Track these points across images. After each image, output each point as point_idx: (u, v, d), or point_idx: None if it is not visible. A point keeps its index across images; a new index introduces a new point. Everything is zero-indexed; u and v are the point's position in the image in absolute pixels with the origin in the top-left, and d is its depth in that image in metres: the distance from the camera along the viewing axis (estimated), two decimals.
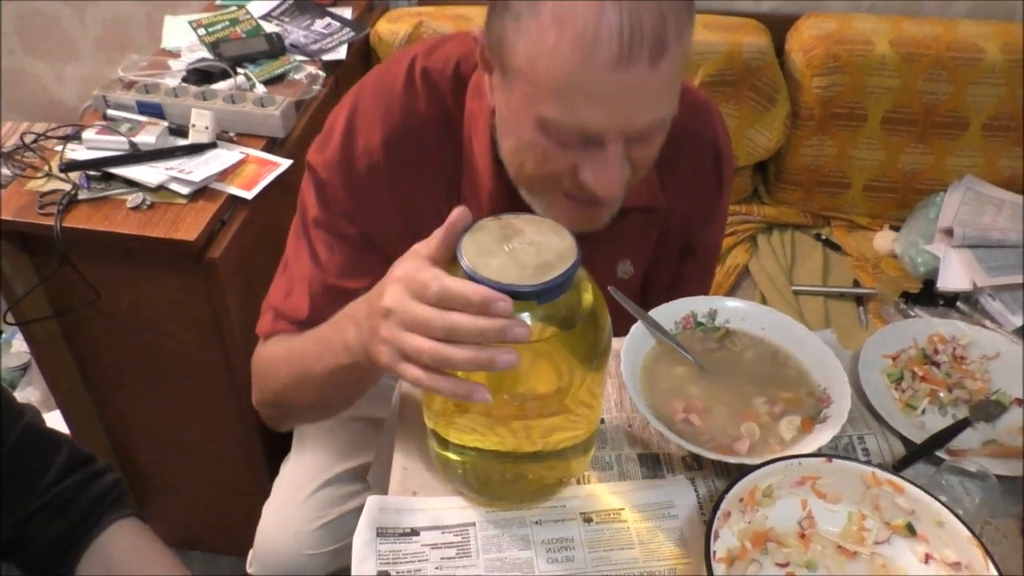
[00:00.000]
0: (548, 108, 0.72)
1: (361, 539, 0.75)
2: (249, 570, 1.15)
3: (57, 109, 2.23)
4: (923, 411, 0.91)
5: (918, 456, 0.83)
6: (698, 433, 0.82)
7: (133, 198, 1.17)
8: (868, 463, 0.81)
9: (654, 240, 1.00)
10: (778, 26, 1.82)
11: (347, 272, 0.91)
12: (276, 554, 1.11)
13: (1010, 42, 1.71)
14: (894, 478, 0.75)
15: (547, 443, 0.76)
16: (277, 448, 1.24)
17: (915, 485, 0.74)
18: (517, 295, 0.66)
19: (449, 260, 0.69)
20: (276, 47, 1.51)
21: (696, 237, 1.04)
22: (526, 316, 0.68)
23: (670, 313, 0.93)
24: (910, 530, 0.74)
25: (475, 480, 0.79)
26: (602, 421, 0.88)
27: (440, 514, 0.79)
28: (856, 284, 1.70)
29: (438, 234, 0.67)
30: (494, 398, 0.67)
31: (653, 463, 0.85)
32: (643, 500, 0.80)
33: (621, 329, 0.85)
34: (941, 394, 0.92)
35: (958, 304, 1.60)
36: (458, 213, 0.66)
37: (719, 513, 0.72)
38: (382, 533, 0.76)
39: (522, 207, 0.85)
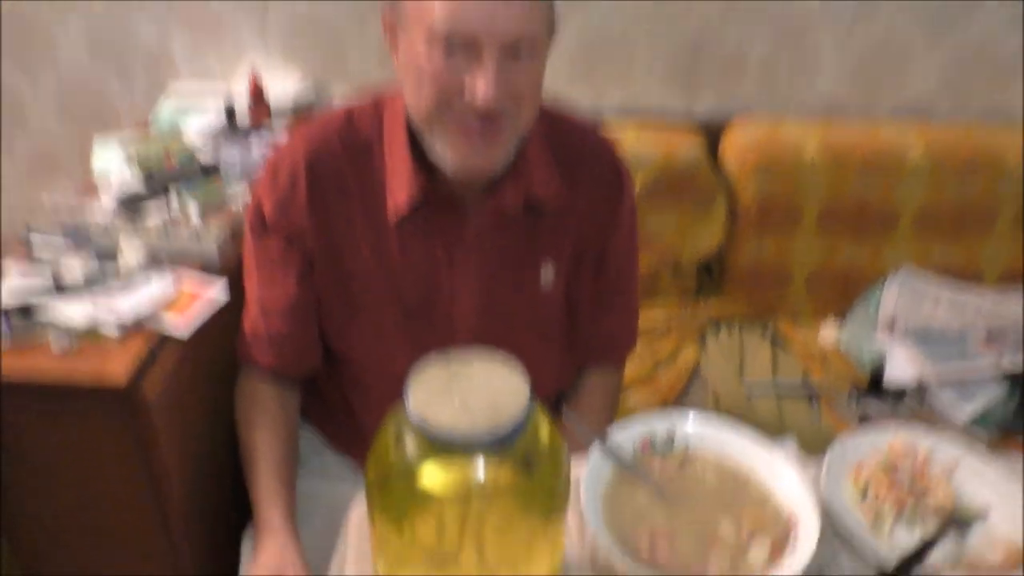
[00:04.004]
0: (434, 17, 0.87)
1: None
2: None
3: None
4: (891, 527, 0.88)
5: None
6: (667, 566, 0.79)
7: (57, 342, 1.11)
8: None
9: (571, 246, 1.11)
10: (712, 130, 1.87)
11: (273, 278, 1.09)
12: None
13: (931, 141, 1.78)
14: None
15: None
16: None
17: None
18: (472, 445, 0.63)
19: None
20: (209, 169, 1.49)
21: (607, 245, 1.14)
22: (481, 463, 0.64)
23: (629, 437, 0.90)
24: None
25: None
26: None
27: None
28: (806, 378, 1.69)
29: None
30: (450, 542, 0.66)
31: None
32: None
33: None
34: (907, 508, 0.90)
35: (906, 399, 1.61)
36: None
37: None
38: None
39: (441, 201, 1.02)
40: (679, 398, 1.66)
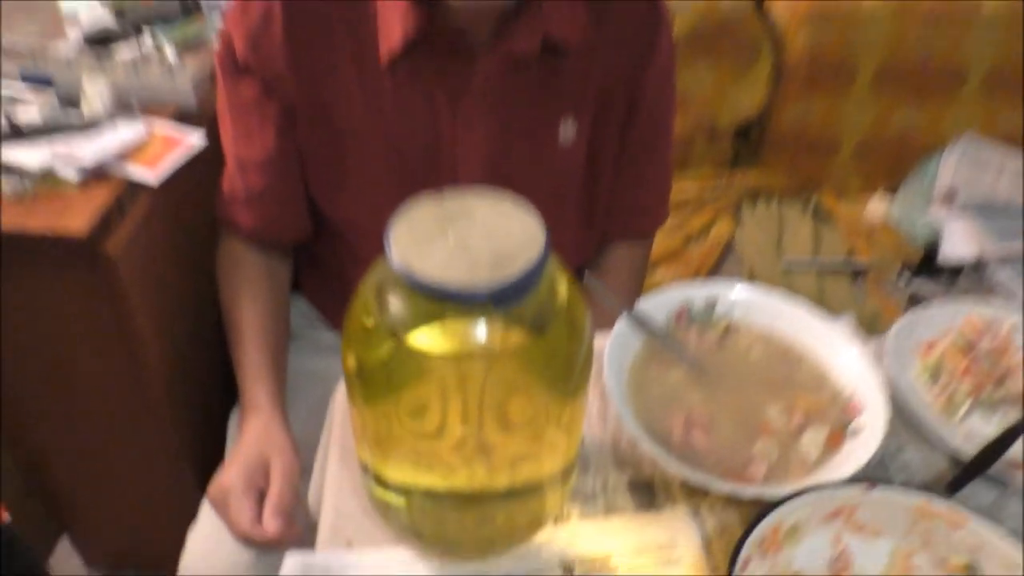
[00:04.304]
0: None
1: None
2: None
3: None
4: (966, 414, 0.76)
5: (972, 475, 0.68)
6: (703, 455, 0.67)
7: (10, 186, 0.98)
8: (909, 484, 0.67)
9: (595, 93, 0.95)
10: None
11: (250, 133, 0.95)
12: None
13: None
14: (952, 509, 0.61)
15: (516, 478, 0.60)
16: (209, 459, 1.07)
17: (978, 517, 0.60)
18: (469, 299, 0.49)
19: None
20: (190, 6, 1.32)
21: (638, 89, 0.98)
22: (482, 325, 0.51)
23: (662, 305, 0.76)
24: (971, 571, 0.60)
25: (425, 526, 0.63)
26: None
27: (383, 570, 0.64)
28: (850, 255, 1.55)
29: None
30: (446, 425, 0.53)
31: (646, 490, 0.69)
32: (637, 540, 0.65)
33: None
34: (986, 392, 0.77)
35: (960, 278, 1.47)
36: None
37: (738, 564, 0.57)
38: None
39: (444, 41, 0.85)
40: (710, 274, 1.53)
